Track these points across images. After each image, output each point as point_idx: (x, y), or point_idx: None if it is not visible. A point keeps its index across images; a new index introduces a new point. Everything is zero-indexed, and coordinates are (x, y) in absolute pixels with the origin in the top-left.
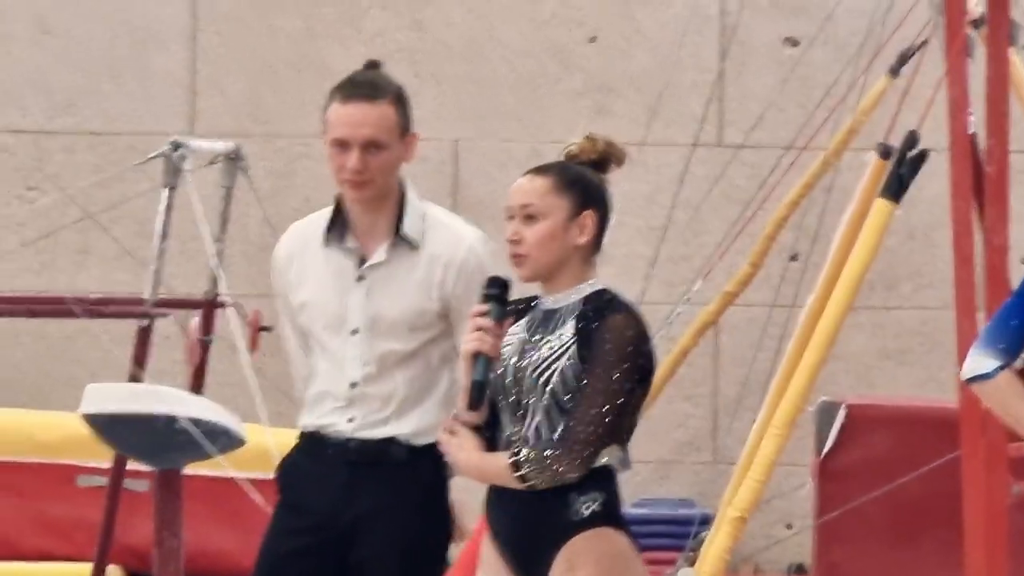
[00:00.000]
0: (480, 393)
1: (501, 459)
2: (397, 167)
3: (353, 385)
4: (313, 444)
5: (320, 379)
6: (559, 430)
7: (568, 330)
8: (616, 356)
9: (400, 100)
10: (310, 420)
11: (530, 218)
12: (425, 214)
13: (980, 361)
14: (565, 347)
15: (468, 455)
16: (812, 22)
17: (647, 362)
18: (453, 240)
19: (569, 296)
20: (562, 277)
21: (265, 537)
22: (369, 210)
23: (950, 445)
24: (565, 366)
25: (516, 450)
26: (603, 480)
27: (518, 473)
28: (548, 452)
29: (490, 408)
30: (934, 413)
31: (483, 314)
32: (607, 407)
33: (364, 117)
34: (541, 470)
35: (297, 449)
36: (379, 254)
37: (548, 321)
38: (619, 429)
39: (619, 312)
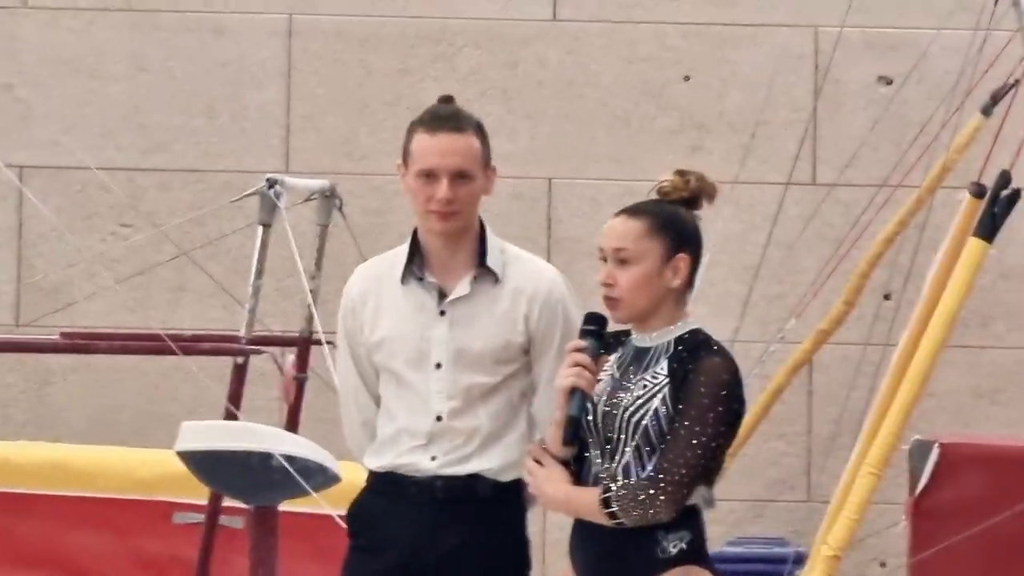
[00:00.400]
0: (576, 429)
1: (591, 494)
2: (479, 199)
3: (438, 419)
4: (390, 484)
5: (395, 417)
6: (652, 470)
7: (661, 370)
8: (711, 399)
9: (481, 132)
10: (385, 460)
11: (624, 262)
12: (503, 249)
13: None
14: (659, 387)
15: (556, 487)
16: (906, 61)
17: (739, 406)
18: (534, 275)
19: (662, 335)
20: (655, 318)
21: None
22: (449, 243)
23: None
24: (658, 406)
25: (607, 486)
26: (690, 519)
27: (608, 510)
28: (640, 491)
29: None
30: None
31: (581, 349)
32: (700, 449)
33: (452, 147)
34: (632, 508)
35: (369, 491)
36: (462, 287)
37: (640, 359)
38: (709, 470)
39: (714, 355)
